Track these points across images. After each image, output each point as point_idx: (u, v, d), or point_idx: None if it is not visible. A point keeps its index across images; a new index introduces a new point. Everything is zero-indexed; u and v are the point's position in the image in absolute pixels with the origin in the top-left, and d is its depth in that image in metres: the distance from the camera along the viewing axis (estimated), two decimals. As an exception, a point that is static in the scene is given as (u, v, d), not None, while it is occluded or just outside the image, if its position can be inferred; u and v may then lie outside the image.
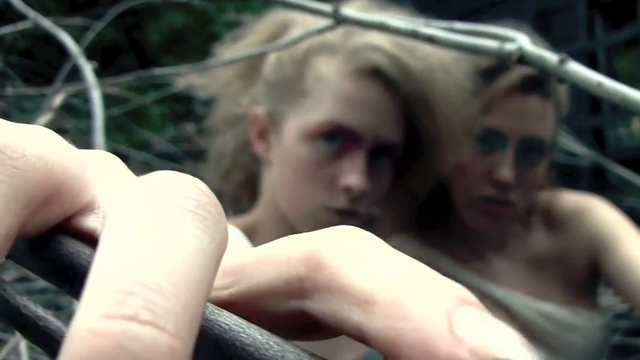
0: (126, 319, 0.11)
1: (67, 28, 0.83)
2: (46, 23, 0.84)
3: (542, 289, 0.79)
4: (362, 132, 0.63)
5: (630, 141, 2.41)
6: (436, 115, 0.67)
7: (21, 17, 0.86)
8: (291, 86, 0.66)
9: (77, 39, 0.83)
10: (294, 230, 0.65)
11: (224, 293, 0.16)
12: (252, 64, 0.71)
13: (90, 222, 0.15)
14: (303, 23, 0.66)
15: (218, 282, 0.16)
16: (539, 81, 0.72)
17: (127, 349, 0.10)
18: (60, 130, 0.17)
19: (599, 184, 1.74)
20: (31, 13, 0.85)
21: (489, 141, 0.73)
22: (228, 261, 0.16)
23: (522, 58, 0.42)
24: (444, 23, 0.48)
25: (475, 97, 0.70)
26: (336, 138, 0.63)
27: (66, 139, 0.16)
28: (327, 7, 0.51)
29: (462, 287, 0.13)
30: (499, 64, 0.70)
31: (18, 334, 0.69)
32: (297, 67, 0.66)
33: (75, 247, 0.15)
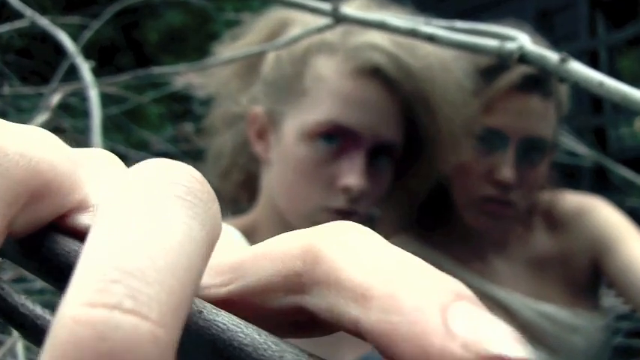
0: (108, 308, 0.11)
1: (64, 27, 0.83)
2: (43, 22, 0.83)
3: (543, 289, 0.79)
4: (361, 132, 0.63)
5: (632, 141, 2.41)
6: (436, 114, 0.67)
7: (18, 16, 0.86)
8: (290, 85, 0.65)
9: (75, 38, 0.82)
10: (292, 230, 0.65)
11: (223, 290, 0.15)
12: (251, 63, 0.70)
13: (84, 220, 0.15)
14: (302, 22, 0.66)
15: (217, 279, 0.16)
16: (540, 80, 0.71)
17: (108, 336, 0.10)
18: (57, 130, 0.17)
19: (601, 184, 1.74)
20: (28, 12, 0.84)
21: (490, 141, 0.73)
22: (226, 258, 0.16)
23: (523, 57, 0.42)
24: (444, 22, 0.48)
25: (475, 97, 0.70)
26: (335, 138, 0.63)
27: (63, 139, 0.16)
28: (326, 6, 0.51)
29: (458, 282, 0.13)
30: (500, 63, 0.69)
31: (15, 335, 0.69)
32: (296, 66, 0.65)
33: (71, 246, 0.15)
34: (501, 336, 0.12)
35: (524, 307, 0.76)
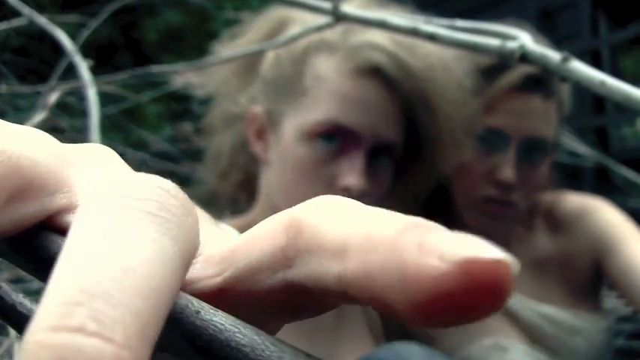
0: (71, 331, 0.11)
1: (62, 26, 0.82)
2: (41, 20, 0.83)
3: (544, 291, 0.78)
4: (361, 131, 0.62)
5: (634, 141, 2.40)
6: (436, 114, 0.66)
7: (15, 14, 0.85)
8: (290, 85, 0.65)
9: (73, 36, 0.82)
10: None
11: (218, 280, 0.15)
12: (250, 62, 0.70)
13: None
14: (301, 21, 0.66)
15: (211, 270, 0.16)
16: (542, 80, 0.71)
17: None
18: (55, 129, 0.17)
19: (603, 184, 1.73)
20: (26, 10, 0.83)
21: (491, 141, 0.72)
22: (219, 249, 0.16)
23: (524, 57, 0.42)
24: (445, 21, 0.48)
25: (476, 96, 0.70)
26: (335, 137, 0.63)
27: (61, 138, 0.16)
28: (326, 4, 0.51)
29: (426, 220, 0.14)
30: (501, 62, 0.69)
31: (11, 336, 0.68)
32: (296, 65, 0.65)
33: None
34: (473, 243, 0.12)
35: (525, 309, 0.76)
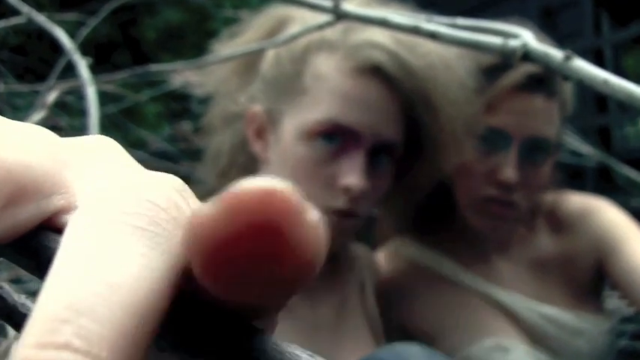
0: (57, 348, 0.11)
1: (61, 24, 0.82)
2: (40, 18, 0.82)
3: (546, 292, 0.78)
4: (362, 131, 0.62)
5: (637, 141, 2.39)
6: (437, 113, 0.66)
7: (14, 12, 0.85)
8: (290, 84, 0.64)
9: (72, 35, 0.81)
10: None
11: None
12: (250, 61, 0.70)
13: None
14: (301, 19, 0.65)
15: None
16: (544, 79, 0.70)
17: None
18: (54, 128, 0.17)
19: (605, 184, 1.73)
20: (25, 8, 0.83)
21: (493, 140, 0.72)
22: None
23: (526, 55, 0.41)
24: (447, 19, 0.48)
25: (478, 96, 0.69)
26: (335, 137, 0.62)
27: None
28: (326, 3, 0.50)
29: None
30: (503, 61, 0.68)
31: (10, 337, 0.68)
32: (296, 64, 0.64)
33: None
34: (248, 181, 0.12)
35: (527, 310, 0.76)
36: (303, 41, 0.63)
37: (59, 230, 0.15)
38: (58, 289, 0.12)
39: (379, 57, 0.62)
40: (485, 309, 0.75)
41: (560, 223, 0.80)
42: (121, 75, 0.81)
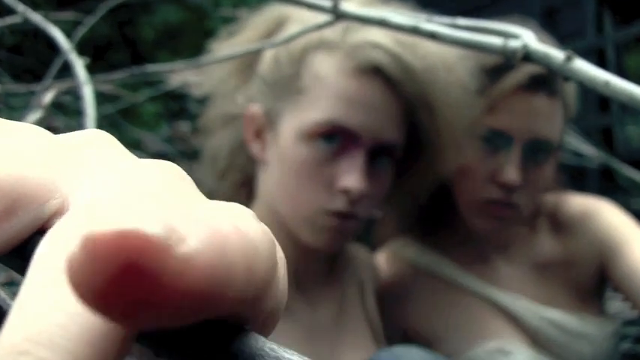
0: None
1: (57, 23, 0.81)
2: (36, 18, 0.81)
3: (548, 294, 0.77)
4: (361, 132, 0.62)
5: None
6: (438, 114, 0.65)
7: (9, 11, 0.84)
8: (288, 84, 0.64)
9: (68, 34, 0.81)
10: (291, 233, 0.64)
11: None
12: (248, 61, 0.69)
13: None
14: (300, 19, 0.65)
15: None
16: (547, 80, 0.70)
17: None
18: (50, 129, 0.17)
19: (608, 185, 1.73)
20: (20, 7, 0.82)
21: (494, 141, 0.71)
22: None
23: (527, 56, 0.41)
24: (447, 19, 0.47)
25: (480, 97, 0.69)
26: (334, 138, 0.62)
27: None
28: (326, 2, 0.50)
29: None
30: (505, 62, 0.68)
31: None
32: (295, 64, 0.64)
33: None
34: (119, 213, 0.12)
35: (529, 313, 0.75)
36: (301, 41, 0.63)
37: None
38: (19, 319, 0.12)
39: (379, 57, 0.61)
40: (487, 311, 0.74)
41: (562, 224, 0.80)
42: (119, 75, 0.81)
